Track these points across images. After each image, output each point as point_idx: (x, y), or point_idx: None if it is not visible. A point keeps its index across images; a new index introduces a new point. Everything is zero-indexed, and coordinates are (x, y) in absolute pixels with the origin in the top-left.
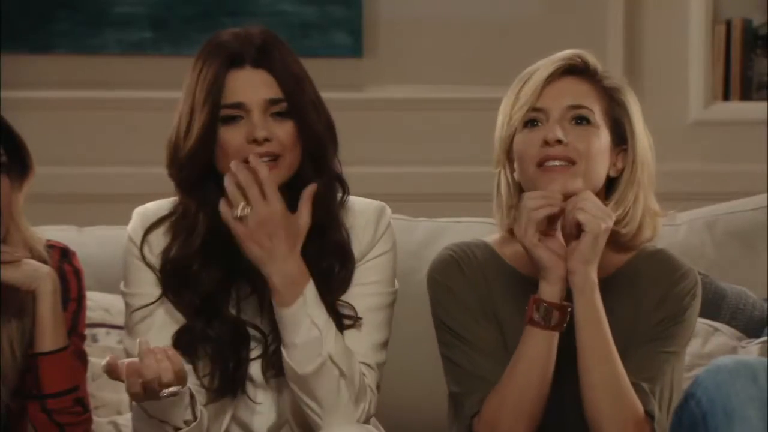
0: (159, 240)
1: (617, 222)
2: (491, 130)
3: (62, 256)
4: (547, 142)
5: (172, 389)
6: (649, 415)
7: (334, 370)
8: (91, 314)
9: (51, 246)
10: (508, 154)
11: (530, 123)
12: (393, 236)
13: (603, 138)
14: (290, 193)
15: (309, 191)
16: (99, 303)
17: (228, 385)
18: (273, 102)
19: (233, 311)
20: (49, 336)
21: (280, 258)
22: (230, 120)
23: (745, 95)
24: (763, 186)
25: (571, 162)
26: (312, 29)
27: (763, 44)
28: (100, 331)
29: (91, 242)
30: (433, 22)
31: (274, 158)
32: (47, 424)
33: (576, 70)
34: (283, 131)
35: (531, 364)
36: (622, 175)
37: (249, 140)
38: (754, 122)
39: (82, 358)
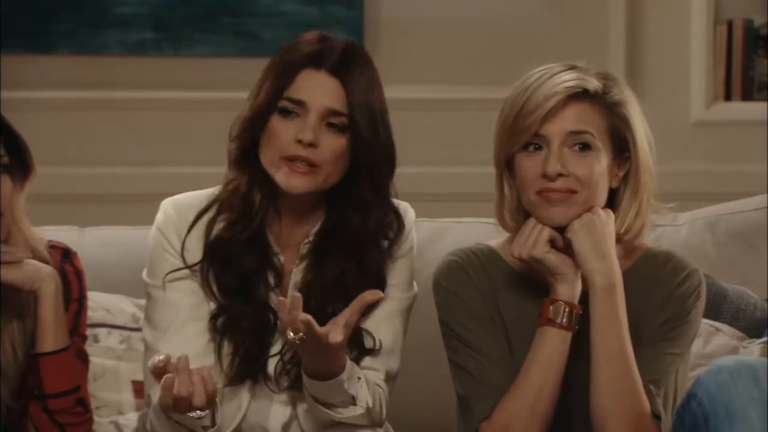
0: (197, 233)
1: (620, 233)
2: (492, 131)
3: (64, 257)
4: (547, 175)
5: (199, 413)
6: (656, 416)
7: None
8: (93, 314)
9: (52, 246)
10: (509, 165)
11: (530, 146)
12: (414, 238)
13: (604, 160)
14: (331, 204)
15: (368, 298)
16: (100, 303)
17: (249, 369)
18: (333, 113)
19: (264, 298)
20: (51, 336)
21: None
22: (287, 113)
23: (747, 96)
24: (764, 186)
25: (572, 192)
26: (313, 29)
27: (765, 45)
28: (102, 332)
29: (92, 243)
30: (434, 23)
31: (311, 165)
32: (48, 425)
33: (577, 95)
34: (331, 143)
35: (546, 365)
36: (626, 187)
37: (296, 139)
38: (756, 123)
39: (83, 358)
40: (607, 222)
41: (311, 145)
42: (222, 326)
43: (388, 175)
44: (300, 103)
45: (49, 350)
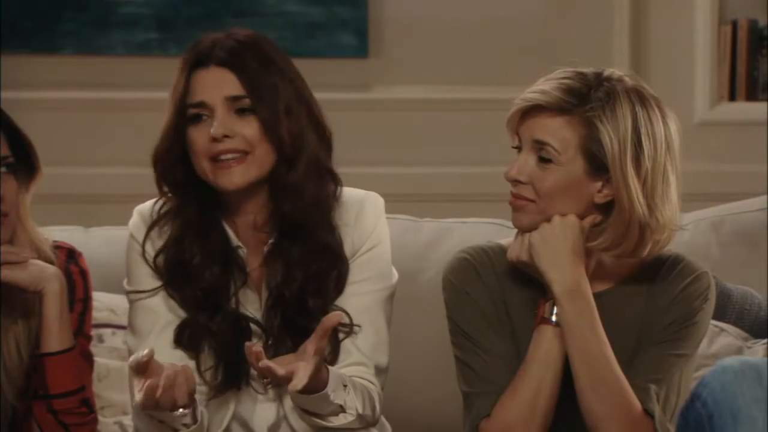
0: (160, 237)
1: (606, 248)
2: (497, 131)
3: (68, 257)
4: (507, 178)
5: (183, 411)
6: (649, 414)
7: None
8: (97, 315)
9: (57, 247)
10: None
11: (515, 147)
12: (383, 227)
13: (568, 173)
14: (269, 189)
15: (328, 323)
16: (105, 303)
17: (232, 378)
18: (235, 99)
19: (233, 305)
20: (56, 337)
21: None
22: (196, 119)
23: (751, 96)
24: None
25: (528, 200)
26: (318, 30)
27: None
28: (106, 332)
29: (97, 243)
30: (438, 23)
31: (239, 154)
32: (53, 425)
33: (542, 107)
34: (249, 128)
35: (544, 363)
36: (614, 204)
37: (210, 139)
38: (760, 123)
39: (88, 358)
40: (563, 230)
41: (226, 137)
42: (188, 341)
43: (325, 151)
44: (202, 104)
45: (54, 350)
